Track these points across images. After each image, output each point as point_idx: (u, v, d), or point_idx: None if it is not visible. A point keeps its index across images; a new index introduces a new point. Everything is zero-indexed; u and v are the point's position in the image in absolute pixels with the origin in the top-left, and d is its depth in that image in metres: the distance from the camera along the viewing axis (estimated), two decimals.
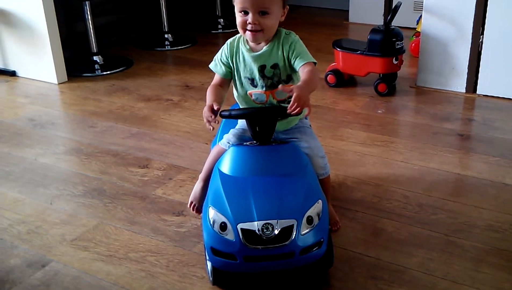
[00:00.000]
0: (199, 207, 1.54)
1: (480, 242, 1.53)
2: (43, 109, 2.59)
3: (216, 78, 1.51)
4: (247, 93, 1.48)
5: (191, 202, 1.56)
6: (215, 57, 1.51)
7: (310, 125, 1.57)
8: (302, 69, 1.39)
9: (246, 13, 1.37)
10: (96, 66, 3.13)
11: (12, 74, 3.03)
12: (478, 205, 1.70)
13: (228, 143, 1.48)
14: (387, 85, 2.59)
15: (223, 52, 1.49)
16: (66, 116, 2.54)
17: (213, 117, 1.36)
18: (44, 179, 1.95)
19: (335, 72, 2.69)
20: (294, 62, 1.41)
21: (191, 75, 2.99)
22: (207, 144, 2.16)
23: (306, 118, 1.56)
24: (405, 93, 2.66)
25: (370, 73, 2.63)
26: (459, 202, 1.72)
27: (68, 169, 2.03)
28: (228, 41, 1.49)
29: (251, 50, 1.44)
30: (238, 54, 1.46)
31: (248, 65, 1.45)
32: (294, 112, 1.27)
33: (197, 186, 1.55)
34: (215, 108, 1.37)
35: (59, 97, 2.78)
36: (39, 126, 2.40)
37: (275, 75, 1.43)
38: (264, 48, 1.42)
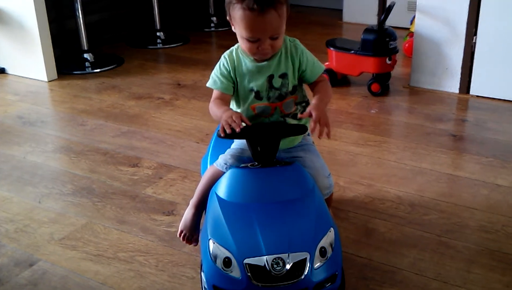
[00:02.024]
0: (190, 237, 1.40)
1: (472, 243, 1.53)
2: (32, 106, 2.57)
3: (216, 95, 1.36)
4: (250, 107, 1.36)
5: (181, 231, 1.40)
6: (213, 74, 1.37)
7: (313, 142, 1.46)
8: (314, 82, 1.37)
9: (255, 40, 1.26)
10: (87, 64, 3.11)
11: (1, 71, 3.01)
12: (470, 205, 1.70)
13: (226, 164, 1.34)
14: (381, 85, 2.58)
15: (221, 66, 1.36)
16: (56, 114, 2.52)
17: (241, 126, 1.22)
18: (33, 177, 1.92)
19: (329, 71, 2.68)
20: (305, 74, 1.36)
21: (183, 74, 2.97)
22: (198, 143, 2.14)
23: (308, 135, 1.47)
24: (398, 93, 2.66)
25: (364, 72, 2.63)
26: (451, 202, 1.72)
27: (57, 167, 2.01)
28: (225, 54, 1.37)
29: (256, 60, 1.33)
30: (241, 66, 1.35)
31: (253, 76, 1.34)
32: (320, 136, 1.23)
33: (188, 213, 1.41)
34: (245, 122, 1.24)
35: (49, 94, 2.76)
36: (28, 124, 2.38)
37: (283, 85, 1.34)
38: (271, 58, 1.33)
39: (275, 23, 1.25)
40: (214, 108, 1.33)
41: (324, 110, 1.27)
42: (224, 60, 1.36)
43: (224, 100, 1.35)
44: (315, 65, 1.37)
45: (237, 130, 1.21)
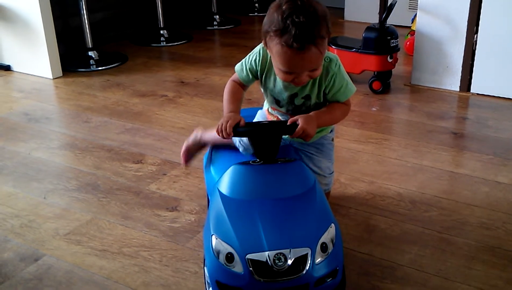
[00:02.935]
0: (190, 156, 1.46)
1: (472, 240, 1.54)
2: (37, 103, 2.59)
3: (237, 78, 1.37)
4: (270, 106, 1.39)
5: (187, 148, 1.43)
6: (244, 61, 1.35)
7: (332, 139, 1.46)
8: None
9: (292, 72, 1.21)
10: (91, 62, 3.13)
11: (7, 68, 3.02)
12: (471, 202, 1.71)
13: (240, 144, 1.39)
14: (382, 83, 2.59)
15: (253, 60, 1.32)
16: (61, 111, 2.54)
17: (231, 135, 1.24)
18: (38, 173, 1.94)
19: None
20: (327, 96, 1.31)
21: (186, 71, 2.99)
22: None
23: (331, 132, 1.46)
24: (400, 91, 2.67)
25: (365, 71, 2.64)
26: (452, 199, 1.73)
27: (62, 163, 2.03)
28: (262, 50, 1.31)
29: None
30: (270, 73, 1.31)
31: (278, 88, 1.32)
32: (292, 136, 1.23)
33: (196, 137, 1.43)
34: (241, 124, 1.24)
35: (54, 92, 2.77)
36: (34, 120, 2.40)
37: (304, 104, 1.32)
38: None
39: (315, 59, 1.18)
40: (225, 97, 1.34)
41: (312, 124, 1.22)
42: (257, 56, 1.32)
43: (242, 86, 1.37)
44: (339, 92, 1.30)
45: (227, 139, 1.25)
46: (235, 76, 1.37)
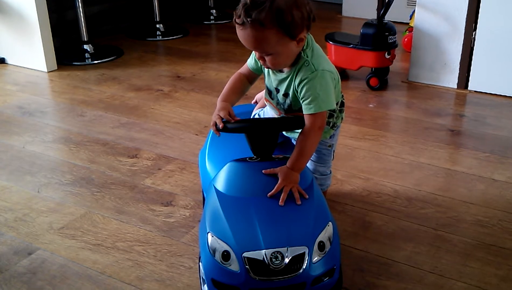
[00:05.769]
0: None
1: (468, 237, 1.54)
2: (32, 97, 2.57)
3: (243, 68, 1.38)
4: (265, 98, 1.39)
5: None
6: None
7: (329, 146, 1.44)
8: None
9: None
10: (87, 55, 3.11)
11: (1, 61, 3.00)
12: (467, 200, 1.71)
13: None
14: (379, 80, 2.59)
15: None
16: (56, 105, 2.52)
17: (221, 126, 1.24)
18: (32, 167, 1.93)
19: None
20: (301, 103, 1.27)
21: (182, 66, 2.97)
22: (197, 135, 2.15)
23: (330, 138, 1.43)
24: (397, 87, 2.66)
25: (362, 67, 2.63)
26: (448, 197, 1.73)
27: (56, 157, 2.02)
28: None
29: None
30: None
31: (268, 77, 1.33)
32: (281, 202, 1.20)
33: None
34: (223, 116, 1.25)
35: (49, 85, 2.75)
36: (28, 114, 2.38)
37: (286, 103, 1.31)
38: (285, 73, 1.28)
39: (257, 42, 1.18)
40: (226, 88, 1.35)
41: (292, 178, 1.22)
42: None
43: (249, 77, 1.38)
44: (305, 101, 1.25)
45: (217, 133, 1.26)
46: (244, 66, 1.38)
